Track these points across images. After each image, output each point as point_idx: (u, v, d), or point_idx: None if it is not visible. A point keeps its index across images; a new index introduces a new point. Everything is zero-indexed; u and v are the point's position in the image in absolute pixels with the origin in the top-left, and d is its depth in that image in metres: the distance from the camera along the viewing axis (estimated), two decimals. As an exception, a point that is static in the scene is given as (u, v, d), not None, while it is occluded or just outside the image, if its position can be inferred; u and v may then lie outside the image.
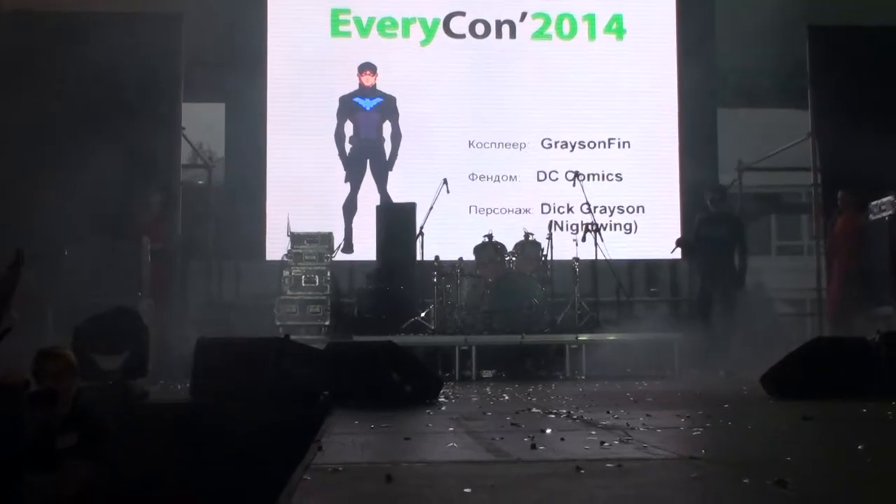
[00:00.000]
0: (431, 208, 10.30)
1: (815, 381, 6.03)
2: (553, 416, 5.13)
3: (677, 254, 10.73)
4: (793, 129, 11.94)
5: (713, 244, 9.82)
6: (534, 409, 5.52)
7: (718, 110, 12.64)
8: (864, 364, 6.13)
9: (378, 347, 6.43)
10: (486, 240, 10.20)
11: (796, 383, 6.07)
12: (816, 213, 10.99)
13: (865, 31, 10.45)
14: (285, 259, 10.30)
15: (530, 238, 10.16)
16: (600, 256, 10.29)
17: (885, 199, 9.26)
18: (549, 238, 10.22)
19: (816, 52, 10.28)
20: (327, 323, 10.02)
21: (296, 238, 10.30)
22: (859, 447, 3.57)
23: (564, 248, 10.36)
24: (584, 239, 10.22)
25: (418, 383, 6.13)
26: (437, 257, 10.06)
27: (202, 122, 12.69)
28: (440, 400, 6.20)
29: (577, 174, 11.12)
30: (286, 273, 10.16)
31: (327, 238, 10.38)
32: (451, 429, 4.52)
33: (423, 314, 9.79)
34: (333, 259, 10.49)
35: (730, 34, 11.93)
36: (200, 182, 13.05)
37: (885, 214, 9.22)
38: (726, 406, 5.58)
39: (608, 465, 3.25)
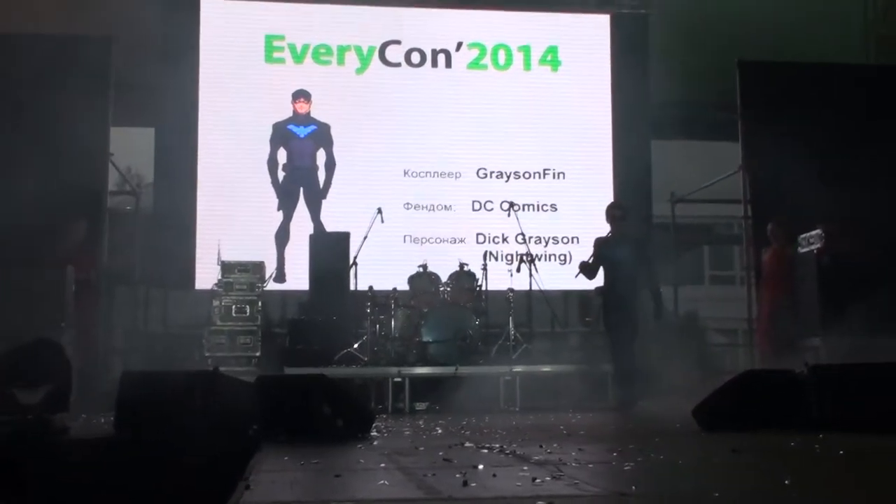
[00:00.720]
0: (366, 237, 10.30)
1: (746, 413, 6.13)
2: (486, 450, 5.14)
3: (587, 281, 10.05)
4: (726, 161, 12.19)
5: (615, 266, 9.20)
6: (467, 444, 5.52)
7: (652, 142, 12.86)
8: (793, 396, 6.25)
9: (309, 381, 6.39)
10: (421, 270, 10.24)
11: (727, 416, 6.16)
12: (747, 245, 11.21)
13: (793, 66, 10.75)
14: (215, 288, 10.20)
15: (465, 268, 10.23)
16: (535, 287, 10.37)
17: (813, 233, 9.50)
18: (484, 268, 10.30)
19: (746, 86, 10.54)
20: (258, 354, 9.93)
21: (226, 267, 10.21)
22: (786, 482, 3.64)
23: (499, 279, 10.43)
24: (518, 269, 10.29)
25: (350, 417, 6.09)
26: (370, 287, 10.06)
27: (131, 147, 12.56)
28: (372, 434, 6.17)
29: (512, 204, 11.19)
30: (216, 303, 10.06)
31: (259, 267, 10.31)
32: (383, 465, 4.50)
33: (356, 345, 9.77)
34: (265, 289, 10.42)
35: (664, 66, 12.16)
36: (128, 208, 12.88)
37: (813, 247, 9.46)
38: (657, 440, 5.64)
39: (539, 502, 3.27)
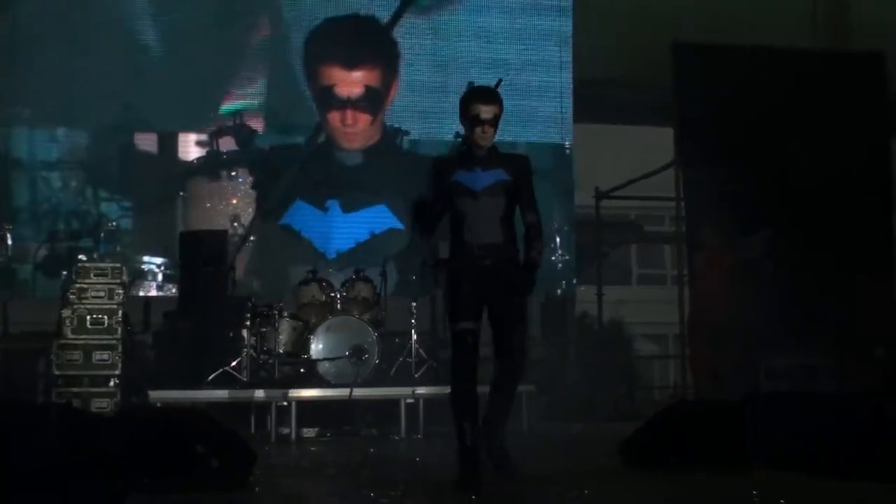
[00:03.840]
0: (246, 237, 10.20)
1: (679, 449, 6.27)
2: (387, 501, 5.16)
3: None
4: (659, 148, 12.40)
5: (474, 207, 5.83)
6: (363, 491, 5.53)
7: (575, 126, 12.98)
8: (729, 430, 6.40)
9: (179, 413, 6.33)
10: (310, 275, 10.17)
11: (658, 453, 6.30)
12: (680, 247, 11.40)
13: (735, 50, 10.95)
14: (67, 295, 9.94)
15: (361, 274, 10.19)
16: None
17: (755, 237, 9.76)
18: (383, 274, 10.26)
19: (681, 70, 10.69)
20: (118, 373, 9.70)
21: (80, 270, 9.94)
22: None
23: (401, 285, 10.47)
24: (422, 275, 10.29)
25: (228, 457, 6.04)
26: (250, 295, 9.97)
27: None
28: (251, 479, 6.12)
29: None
30: (67, 312, 9.77)
31: (119, 271, 10.08)
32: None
33: (233, 363, 9.65)
34: (126, 295, 10.21)
35: (590, 40, 12.31)
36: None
37: (754, 253, 9.72)
38: (584, 481, 5.71)
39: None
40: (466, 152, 5.92)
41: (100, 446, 5.81)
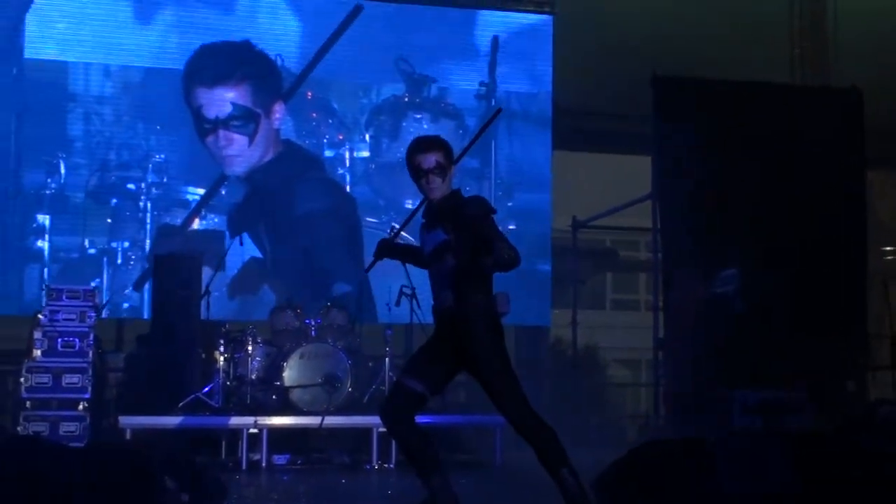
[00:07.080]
0: (222, 261, 10.16)
1: (650, 488, 6.29)
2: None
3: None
4: (635, 177, 12.44)
5: (430, 268, 5.49)
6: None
7: (554, 153, 12.98)
8: (698, 470, 6.41)
9: (149, 447, 6.29)
10: (284, 302, 10.13)
11: (630, 491, 6.31)
12: (655, 277, 11.41)
13: (713, 84, 10.98)
14: (38, 317, 9.87)
15: (336, 301, 10.17)
16: (416, 322, 10.38)
17: (728, 272, 9.80)
18: (358, 300, 10.23)
19: (661, 104, 10.69)
20: (87, 397, 9.63)
21: (52, 292, 9.87)
22: None
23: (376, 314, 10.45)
24: (398, 303, 10.26)
25: (197, 492, 6.02)
26: (225, 323, 9.92)
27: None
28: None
29: (393, 229, 11.05)
30: (38, 335, 9.70)
31: (91, 294, 10.02)
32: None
33: (206, 389, 9.60)
34: (100, 318, 10.15)
35: (570, 72, 12.34)
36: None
37: (728, 288, 9.76)
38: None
39: None
40: (427, 208, 5.54)
41: (66, 481, 5.76)
